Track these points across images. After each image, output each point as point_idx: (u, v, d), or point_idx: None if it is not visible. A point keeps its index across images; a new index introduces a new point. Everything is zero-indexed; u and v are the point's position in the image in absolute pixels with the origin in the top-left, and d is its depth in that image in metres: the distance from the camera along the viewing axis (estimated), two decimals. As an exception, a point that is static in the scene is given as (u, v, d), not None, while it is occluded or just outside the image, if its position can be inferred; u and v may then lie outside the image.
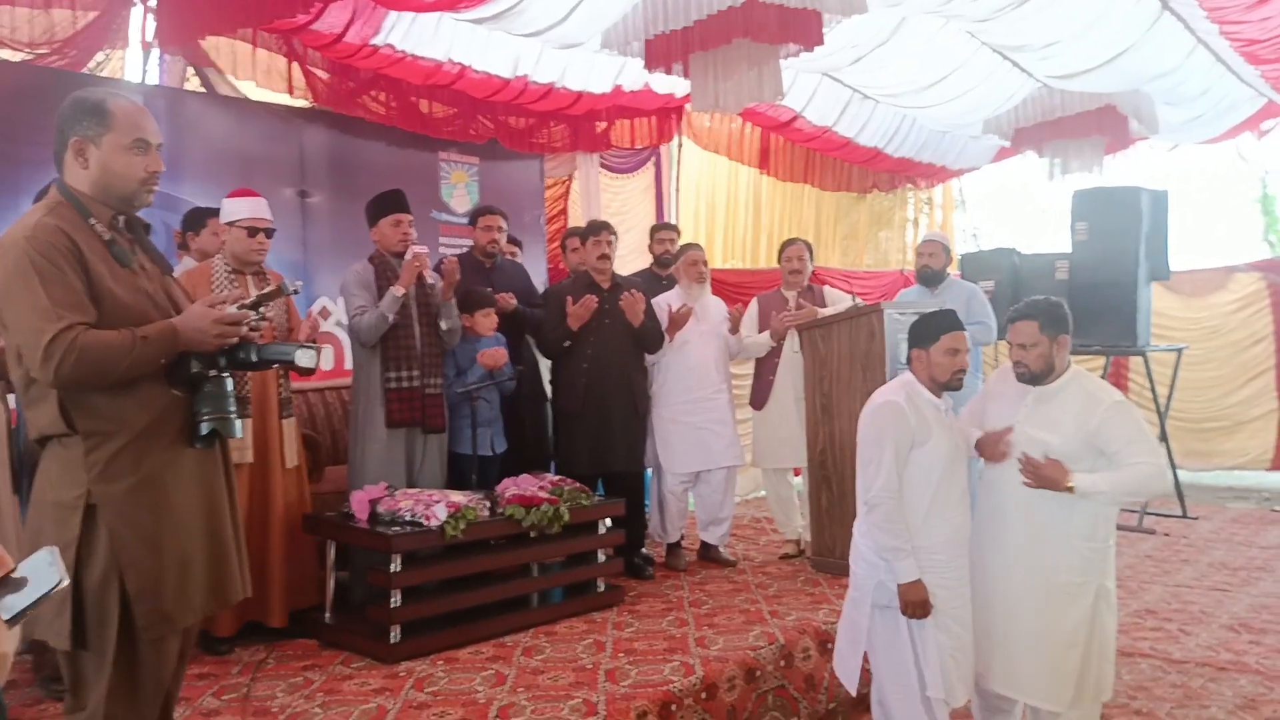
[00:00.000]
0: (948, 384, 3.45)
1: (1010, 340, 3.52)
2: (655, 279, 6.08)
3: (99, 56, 5.52)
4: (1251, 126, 9.21)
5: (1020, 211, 15.72)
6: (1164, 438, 7.88)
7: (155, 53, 5.80)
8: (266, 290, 2.82)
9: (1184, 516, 8.04)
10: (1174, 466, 7.63)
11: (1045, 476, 3.36)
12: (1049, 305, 3.48)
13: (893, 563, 3.32)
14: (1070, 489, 3.33)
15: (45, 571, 1.09)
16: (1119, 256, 7.58)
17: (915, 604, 3.29)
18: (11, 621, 1.05)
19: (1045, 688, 3.45)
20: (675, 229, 6.52)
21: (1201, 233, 13.09)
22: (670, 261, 6.05)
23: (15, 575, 1.09)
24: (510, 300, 5.41)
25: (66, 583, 1.11)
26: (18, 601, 1.06)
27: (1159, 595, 5.97)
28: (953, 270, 6.92)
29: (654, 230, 6.39)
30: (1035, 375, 3.47)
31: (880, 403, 3.44)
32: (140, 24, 5.60)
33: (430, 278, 4.84)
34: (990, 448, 3.54)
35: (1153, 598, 5.92)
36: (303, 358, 2.70)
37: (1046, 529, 3.43)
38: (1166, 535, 7.54)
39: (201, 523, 2.56)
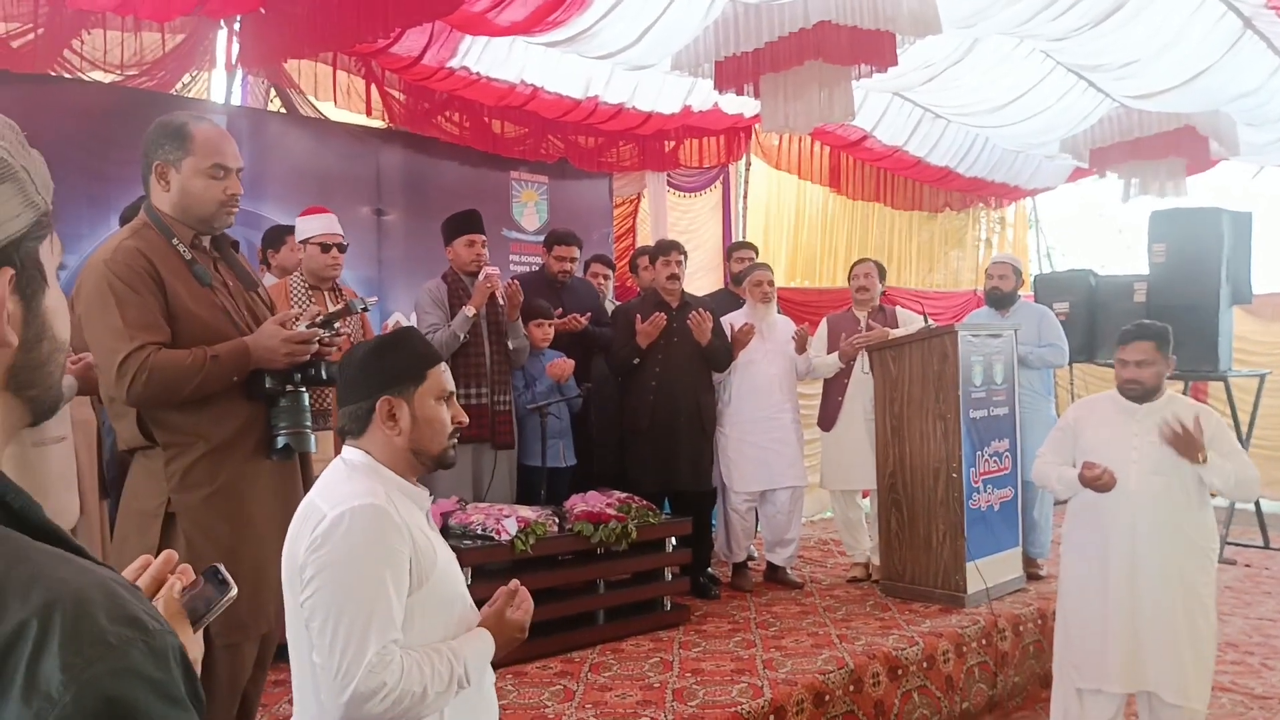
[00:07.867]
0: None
1: (1125, 358, 3.64)
2: (733, 298, 6.08)
3: (185, 78, 5.68)
4: (1338, 148, 8.93)
5: (1096, 232, 15.41)
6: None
7: (239, 74, 5.97)
8: (335, 309, 2.89)
9: (1266, 547, 7.80)
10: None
11: (1190, 440, 3.45)
12: (1163, 327, 3.66)
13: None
14: (1205, 460, 3.47)
15: (216, 582, 1.17)
16: (1199, 279, 7.39)
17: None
18: (196, 626, 1.13)
19: (1194, 685, 3.61)
20: (753, 247, 6.56)
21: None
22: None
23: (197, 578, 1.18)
24: (581, 321, 5.44)
25: (235, 592, 1.18)
26: (199, 608, 1.14)
27: (1240, 628, 5.80)
28: (1025, 291, 6.81)
29: (731, 249, 6.45)
30: (1148, 391, 3.62)
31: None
32: (226, 47, 5.77)
33: (501, 298, 4.89)
34: (1107, 478, 3.56)
35: (1234, 630, 5.74)
36: None
37: (1182, 539, 3.57)
38: (1248, 566, 7.31)
39: (278, 532, 2.59)
